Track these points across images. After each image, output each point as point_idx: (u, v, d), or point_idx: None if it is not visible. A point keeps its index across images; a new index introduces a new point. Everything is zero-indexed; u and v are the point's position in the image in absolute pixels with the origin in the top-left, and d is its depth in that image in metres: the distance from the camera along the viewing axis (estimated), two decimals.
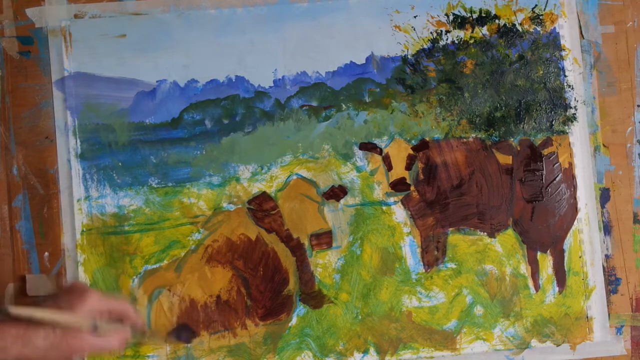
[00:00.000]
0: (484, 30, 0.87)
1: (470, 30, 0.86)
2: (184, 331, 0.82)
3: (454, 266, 0.84)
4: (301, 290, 0.83)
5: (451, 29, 0.86)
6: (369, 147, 0.85)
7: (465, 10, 0.87)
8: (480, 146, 0.86)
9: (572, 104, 0.86)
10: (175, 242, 0.83)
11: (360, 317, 0.84)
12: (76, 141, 0.84)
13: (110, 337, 0.67)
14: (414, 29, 0.86)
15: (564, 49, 0.87)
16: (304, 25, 0.86)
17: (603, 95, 0.87)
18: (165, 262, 0.83)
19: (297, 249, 0.84)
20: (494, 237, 0.85)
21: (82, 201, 0.83)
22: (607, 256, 0.85)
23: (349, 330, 0.83)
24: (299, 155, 0.85)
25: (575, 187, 0.86)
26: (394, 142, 0.85)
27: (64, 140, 0.84)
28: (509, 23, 0.87)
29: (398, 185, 0.85)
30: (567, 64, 0.87)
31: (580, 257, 0.85)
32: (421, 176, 0.85)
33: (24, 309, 0.61)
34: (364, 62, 0.86)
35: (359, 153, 0.85)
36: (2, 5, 0.85)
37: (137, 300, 0.82)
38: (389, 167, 0.85)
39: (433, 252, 0.84)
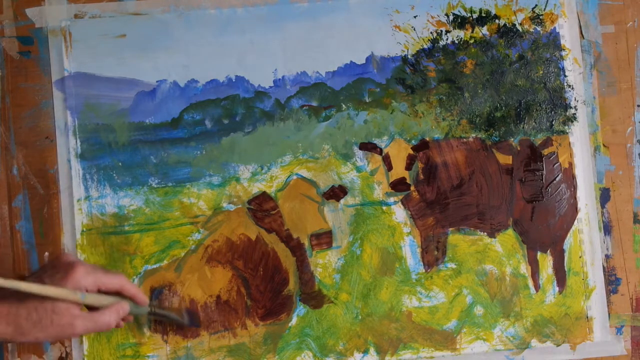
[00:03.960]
0: (484, 30, 0.87)
1: (470, 30, 0.86)
2: (193, 316, 0.81)
3: (454, 266, 0.84)
4: (301, 290, 0.83)
5: (451, 29, 0.86)
6: (369, 147, 0.85)
7: (465, 10, 0.87)
8: (480, 146, 0.86)
9: (572, 104, 0.86)
10: (175, 242, 0.83)
11: (360, 317, 0.84)
12: (76, 141, 0.84)
13: (103, 311, 0.61)
14: (414, 29, 0.86)
15: (564, 49, 0.87)
16: (304, 25, 0.86)
17: (603, 95, 0.87)
18: (165, 262, 0.83)
19: (297, 249, 0.84)
20: (494, 237, 0.85)
21: (82, 201, 0.83)
22: (607, 256, 0.85)
23: (349, 330, 0.83)
24: (299, 155, 0.85)
25: (575, 187, 0.86)
26: (394, 142, 0.85)
27: (64, 140, 0.84)
28: (509, 23, 0.87)
29: (398, 185, 0.85)
30: (567, 64, 0.87)
31: (580, 257, 0.85)
32: (421, 176, 0.85)
33: (6, 280, 0.58)
34: (364, 62, 0.86)
35: (359, 153, 0.85)
36: (2, 5, 0.85)
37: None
38: (389, 167, 0.85)
39: (433, 252, 0.84)
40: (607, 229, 0.86)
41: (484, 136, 0.86)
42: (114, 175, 0.84)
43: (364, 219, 0.84)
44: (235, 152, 0.85)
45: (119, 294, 0.66)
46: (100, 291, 0.64)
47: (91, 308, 0.63)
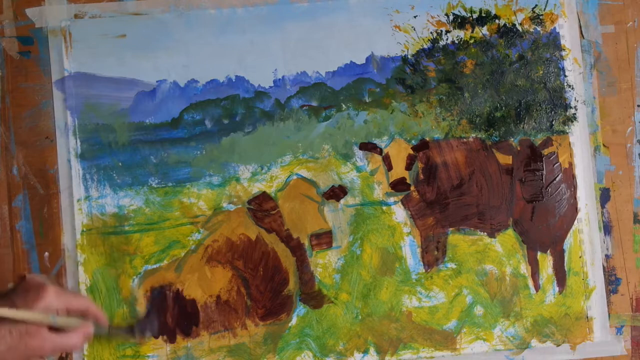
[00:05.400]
0: (484, 30, 0.87)
1: (470, 30, 0.86)
2: (148, 324, 0.81)
3: (454, 266, 0.84)
4: (301, 290, 0.83)
5: (451, 29, 0.86)
6: (369, 147, 0.85)
7: (465, 10, 0.87)
8: (480, 146, 0.86)
9: (572, 104, 0.86)
10: (175, 242, 0.83)
11: (360, 317, 0.84)
12: (76, 141, 0.84)
13: (71, 334, 0.64)
14: (414, 29, 0.86)
15: (564, 49, 0.87)
16: (304, 25, 0.86)
17: (603, 95, 0.87)
18: (165, 262, 0.83)
19: (297, 249, 0.84)
20: (494, 237, 0.85)
21: (82, 201, 0.83)
22: (607, 256, 0.85)
23: (349, 330, 0.83)
24: (299, 155, 0.85)
25: (575, 187, 0.86)
26: (394, 142, 0.85)
27: (64, 140, 0.84)
28: (509, 23, 0.87)
29: (398, 185, 0.85)
30: (567, 64, 0.87)
31: (580, 257, 0.85)
32: (421, 176, 0.85)
33: None
34: (364, 62, 0.86)
35: (359, 153, 0.85)
36: (2, 5, 0.85)
37: (137, 300, 0.82)
38: (389, 167, 0.85)
39: (433, 252, 0.84)
40: (607, 229, 0.86)
41: (484, 136, 0.86)
42: (114, 175, 0.84)
43: (364, 219, 0.84)
44: (235, 152, 0.85)
45: (82, 314, 0.68)
46: (67, 312, 0.66)
47: (58, 328, 0.65)
